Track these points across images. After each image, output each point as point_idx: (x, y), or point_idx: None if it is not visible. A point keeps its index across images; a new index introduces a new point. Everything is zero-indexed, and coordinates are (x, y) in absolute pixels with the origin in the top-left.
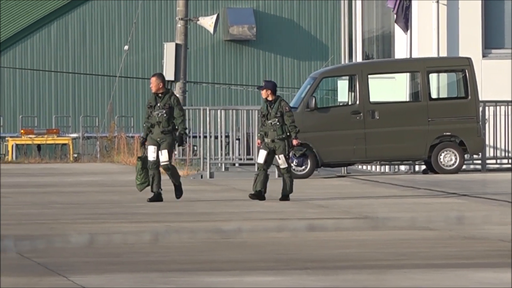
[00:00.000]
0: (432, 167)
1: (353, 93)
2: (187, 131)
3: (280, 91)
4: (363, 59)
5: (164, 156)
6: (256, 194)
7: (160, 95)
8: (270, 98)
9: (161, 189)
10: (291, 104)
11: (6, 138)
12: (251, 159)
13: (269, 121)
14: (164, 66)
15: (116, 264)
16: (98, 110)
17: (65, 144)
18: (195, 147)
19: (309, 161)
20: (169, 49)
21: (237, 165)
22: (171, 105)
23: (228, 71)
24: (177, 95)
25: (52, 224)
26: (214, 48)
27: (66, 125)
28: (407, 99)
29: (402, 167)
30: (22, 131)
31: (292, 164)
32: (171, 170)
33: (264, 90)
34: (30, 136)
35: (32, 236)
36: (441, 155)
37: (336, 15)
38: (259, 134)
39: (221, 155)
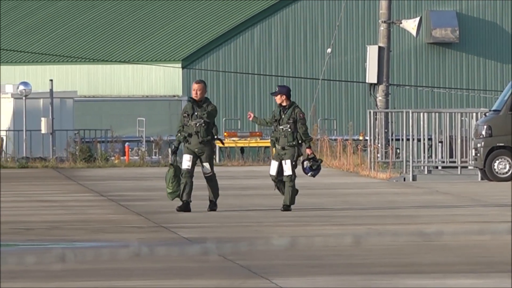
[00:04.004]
0: None
1: None
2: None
3: (483, 94)
4: None
5: (206, 168)
6: (285, 207)
7: (199, 103)
8: (284, 104)
9: (191, 200)
10: (494, 107)
11: None
12: (454, 161)
13: (281, 127)
14: (367, 69)
15: (317, 267)
16: None
17: (268, 147)
18: (397, 149)
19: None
20: (372, 52)
21: (439, 168)
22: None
23: (431, 74)
24: (380, 98)
25: (255, 227)
26: (416, 51)
27: (269, 127)
28: None
29: None
30: (225, 134)
31: (308, 174)
32: (214, 181)
33: (279, 96)
34: (233, 139)
35: (235, 239)
36: None
37: None
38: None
39: (424, 157)
